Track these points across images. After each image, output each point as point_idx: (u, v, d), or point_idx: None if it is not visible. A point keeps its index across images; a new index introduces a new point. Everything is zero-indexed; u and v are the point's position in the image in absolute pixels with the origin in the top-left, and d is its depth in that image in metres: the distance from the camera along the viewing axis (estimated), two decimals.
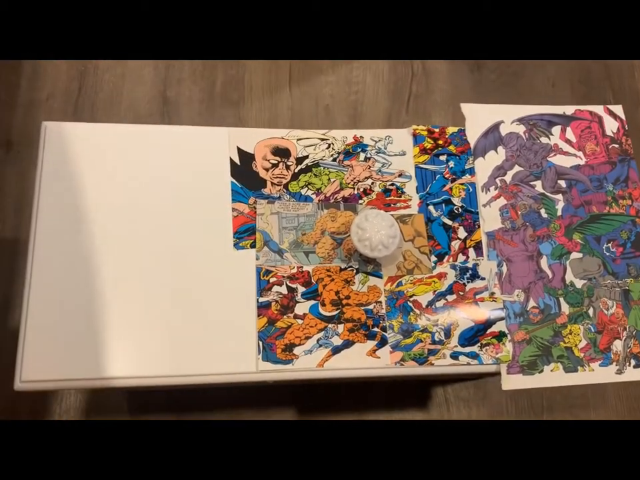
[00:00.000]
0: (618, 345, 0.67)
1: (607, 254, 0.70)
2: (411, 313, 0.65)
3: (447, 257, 0.68)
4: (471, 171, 0.71)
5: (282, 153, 0.70)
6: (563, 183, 0.73)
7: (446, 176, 0.71)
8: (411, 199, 0.70)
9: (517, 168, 0.73)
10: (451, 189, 0.70)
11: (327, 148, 0.71)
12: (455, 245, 0.68)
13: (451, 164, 0.72)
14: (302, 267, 0.65)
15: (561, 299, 0.68)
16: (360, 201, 0.69)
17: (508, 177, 0.72)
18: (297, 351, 0.62)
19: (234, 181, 0.68)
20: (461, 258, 0.68)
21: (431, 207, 0.69)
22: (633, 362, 0.66)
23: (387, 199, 0.69)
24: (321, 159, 0.71)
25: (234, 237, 0.66)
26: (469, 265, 0.67)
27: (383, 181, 0.70)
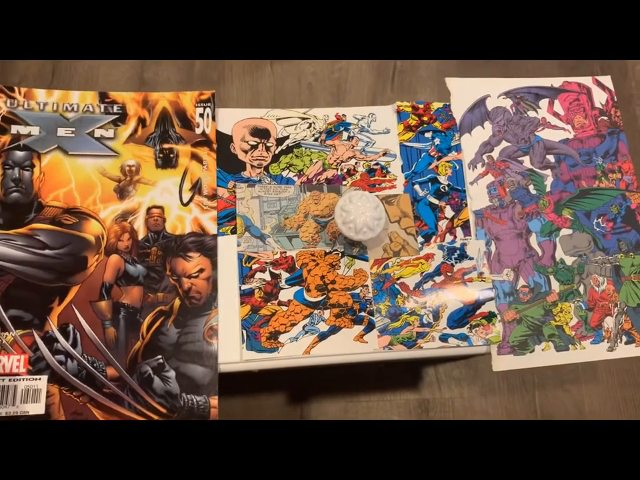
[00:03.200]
0: (609, 322, 0.66)
1: (597, 229, 0.69)
2: (399, 296, 0.63)
3: (434, 237, 0.66)
4: (457, 148, 0.69)
5: (261, 133, 0.68)
6: (551, 158, 0.71)
7: (432, 154, 0.69)
8: (396, 179, 0.68)
9: (504, 143, 0.71)
10: (437, 167, 0.68)
11: (308, 127, 0.69)
12: (442, 224, 0.66)
13: (437, 141, 0.69)
14: (285, 252, 0.63)
15: (551, 277, 0.66)
16: (344, 182, 0.67)
17: (495, 153, 0.70)
18: (282, 338, 0.60)
19: None
20: (449, 238, 0.66)
21: (416, 186, 0.67)
22: (624, 338, 0.65)
23: (372, 179, 0.67)
24: (302, 139, 0.68)
25: None
26: (457, 244, 0.66)
27: (367, 161, 0.68)
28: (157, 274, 0.61)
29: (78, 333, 0.57)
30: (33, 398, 0.55)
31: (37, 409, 0.55)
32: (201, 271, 0.61)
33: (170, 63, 1.18)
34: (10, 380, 0.55)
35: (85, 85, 1.14)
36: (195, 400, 0.57)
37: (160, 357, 0.58)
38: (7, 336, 0.56)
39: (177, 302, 0.60)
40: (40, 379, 0.56)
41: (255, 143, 0.67)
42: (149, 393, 0.57)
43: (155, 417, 0.56)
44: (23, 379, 0.55)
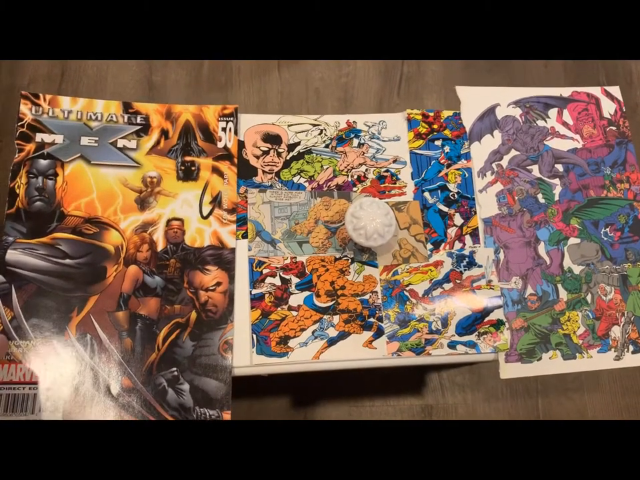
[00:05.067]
0: (616, 331, 0.66)
1: (605, 239, 0.69)
2: (408, 303, 0.63)
3: (443, 244, 0.66)
4: (467, 156, 0.70)
5: (273, 139, 0.68)
6: (560, 167, 0.71)
7: (441, 161, 0.69)
8: (406, 186, 0.68)
9: (513, 152, 0.71)
10: (446, 174, 0.69)
11: (319, 134, 0.69)
12: (452, 232, 0.67)
13: (447, 149, 0.70)
14: (295, 257, 0.64)
15: (559, 286, 0.67)
16: (354, 189, 0.67)
17: (504, 162, 0.71)
18: (291, 343, 0.61)
19: None
20: (458, 245, 0.66)
21: (426, 194, 0.68)
22: (631, 348, 0.66)
23: (382, 185, 0.68)
24: (313, 146, 0.69)
25: None
26: (466, 252, 0.66)
27: (377, 168, 0.68)
28: (174, 286, 0.61)
29: (95, 343, 0.58)
30: (51, 406, 0.56)
31: (54, 416, 0.56)
32: (218, 284, 0.61)
33: (178, 66, 1.19)
34: (30, 388, 0.56)
35: (93, 86, 1.15)
36: (207, 413, 0.57)
37: (175, 369, 0.58)
38: (27, 344, 0.57)
39: (194, 315, 0.60)
40: (58, 388, 0.56)
41: (267, 149, 0.67)
42: (162, 405, 0.57)
43: None
44: (42, 388, 0.56)
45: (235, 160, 0.66)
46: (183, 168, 0.65)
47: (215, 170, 0.66)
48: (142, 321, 0.59)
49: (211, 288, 0.61)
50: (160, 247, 0.62)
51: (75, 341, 0.58)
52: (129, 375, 0.57)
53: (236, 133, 0.67)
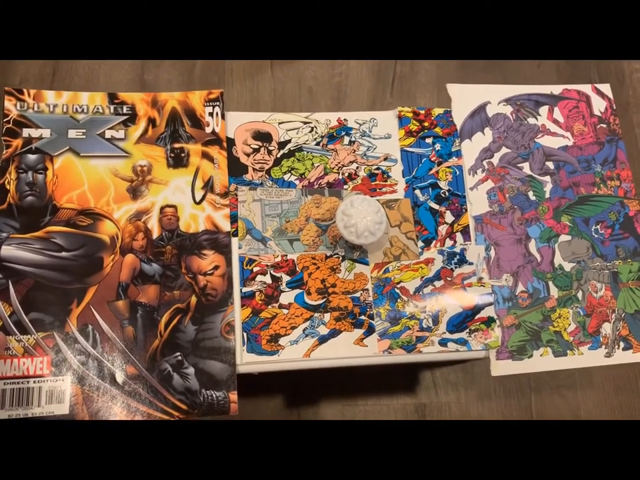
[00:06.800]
0: (607, 328, 0.66)
1: (596, 236, 0.69)
2: (399, 300, 0.63)
3: (434, 242, 0.66)
4: (458, 154, 0.70)
5: (263, 137, 0.68)
6: (550, 165, 0.71)
7: (432, 159, 0.69)
8: (397, 183, 0.68)
9: (504, 150, 0.71)
10: (437, 172, 0.69)
11: (310, 132, 0.69)
12: (442, 229, 0.67)
13: (437, 146, 0.70)
14: (286, 255, 0.64)
15: (550, 283, 0.67)
16: (345, 186, 0.67)
17: (495, 159, 0.71)
18: (282, 341, 0.61)
19: None
20: (449, 243, 0.66)
21: (417, 191, 0.68)
22: (622, 344, 0.66)
23: (373, 183, 0.68)
24: (304, 143, 0.68)
25: None
26: (457, 249, 0.66)
27: (368, 165, 0.68)
28: (172, 272, 0.61)
29: (97, 333, 0.58)
30: (57, 398, 0.56)
31: (61, 409, 0.56)
32: (216, 268, 0.62)
33: (170, 66, 1.19)
34: (35, 382, 0.56)
35: (85, 86, 1.15)
36: (214, 395, 0.58)
37: (178, 354, 0.59)
38: (29, 339, 0.57)
39: (194, 299, 0.61)
40: (63, 379, 0.57)
41: (257, 147, 0.67)
42: (169, 390, 0.58)
43: (176, 414, 0.57)
44: (47, 381, 0.56)
45: (224, 144, 0.67)
46: (172, 155, 0.65)
47: (205, 155, 0.66)
48: (142, 309, 0.60)
49: (209, 272, 0.62)
50: (155, 234, 0.62)
51: (77, 333, 0.58)
52: (133, 363, 0.58)
53: (223, 117, 0.68)
